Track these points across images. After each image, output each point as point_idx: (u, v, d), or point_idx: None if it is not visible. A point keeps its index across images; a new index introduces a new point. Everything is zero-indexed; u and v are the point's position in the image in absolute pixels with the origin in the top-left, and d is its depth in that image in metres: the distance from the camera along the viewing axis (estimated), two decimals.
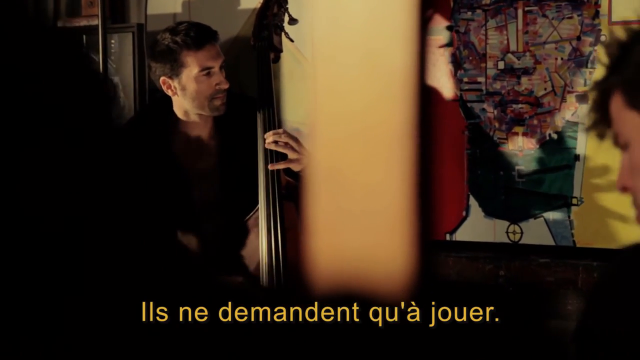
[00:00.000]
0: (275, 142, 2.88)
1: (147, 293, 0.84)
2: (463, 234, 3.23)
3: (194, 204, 3.02)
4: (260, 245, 2.85)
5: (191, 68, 2.96)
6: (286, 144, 2.88)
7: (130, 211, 0.89)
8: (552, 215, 3.08)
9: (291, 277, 2.84)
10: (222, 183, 3.03)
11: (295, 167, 2.89)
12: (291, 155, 2.87)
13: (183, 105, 3.02)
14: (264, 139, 2.89)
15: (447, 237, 3.25)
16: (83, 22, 3.81)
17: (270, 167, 2.89)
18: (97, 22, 3.57)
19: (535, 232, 3.11)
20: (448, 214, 3.23)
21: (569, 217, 3.05)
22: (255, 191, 2.88)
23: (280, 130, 2.92)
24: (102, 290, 0.83)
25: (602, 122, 1.23)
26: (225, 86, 2.98)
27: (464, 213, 3.22)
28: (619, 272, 1.22)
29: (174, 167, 3.01)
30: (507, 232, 3.15)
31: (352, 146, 0.61)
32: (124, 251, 0.87)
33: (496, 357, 3.09)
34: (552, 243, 3.08)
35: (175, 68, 2.97)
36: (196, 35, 2.99)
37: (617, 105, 1.20)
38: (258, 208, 2.87)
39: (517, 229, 3.13)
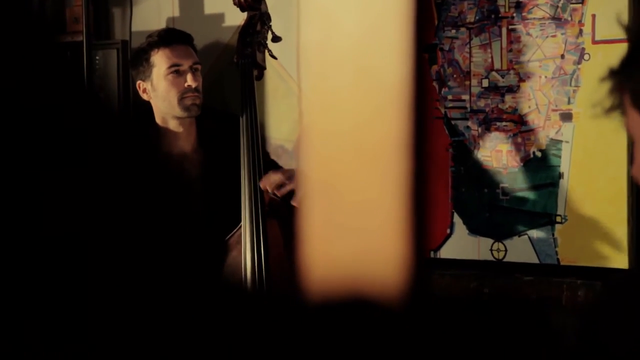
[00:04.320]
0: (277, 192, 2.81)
1: (134, 293, 0.84)
2: (447, 252, 3.23)
3: (175, 216, 3.00)
4: (244, 263, 2.83)
5: (160, 66, 2.97)
6: (287, 189, 2.80)
7: (113, 217, 0.89)
8: (536, 233, 3.08)
9: (274, 295, 2.82)
10: (205, 197, 3.01)
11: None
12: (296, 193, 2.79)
13: (158, 108, 3.02)
14: (258, 187, 2.83)
15: (432, 254, 3.24)
16: (67, 38, 3.80)
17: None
18: (81, 38, 3.57)
19: (519, 249, 3.11)
20: (432, 231, 3.23)
21: (553, 235, 3.05)
22: (237, 207, 2.86)
23: (277, 179, 2.82)
24: (87, 290, 0.83)
25: (620, 106, 1.26)
26: (194, 84, 2.96)
27: (448, 230, 3.22)
28: (615, 294, 1.22)
29: (157, 178, 2.99)
30: (491, 250, 3.15)
31: (345, 163, 0.61)
32: (117, 255, 0.87)
33: None
34: (536, 261, 3.08)
35: (147, 69, 3.00)
36: (166, 34, 3.03)
37: (627, 101, 1.23)
38: (241, 225, 2.85)
39: (502, 247, 3.13)
